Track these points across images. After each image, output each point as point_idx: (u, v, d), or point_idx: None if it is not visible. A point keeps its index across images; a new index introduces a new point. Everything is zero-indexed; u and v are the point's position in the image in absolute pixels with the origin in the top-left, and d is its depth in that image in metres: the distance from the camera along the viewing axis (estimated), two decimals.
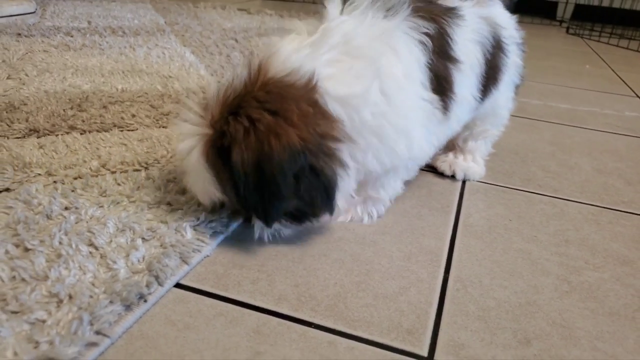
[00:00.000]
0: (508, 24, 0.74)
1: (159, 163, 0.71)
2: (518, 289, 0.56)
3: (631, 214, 0.74)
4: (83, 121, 0.81)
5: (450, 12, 0.65)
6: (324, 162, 0.51)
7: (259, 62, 0.52)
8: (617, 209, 0.76)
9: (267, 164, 0.49)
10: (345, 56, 0.54)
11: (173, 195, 0.63)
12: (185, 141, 0.52)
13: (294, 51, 0.53)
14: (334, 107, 0.52)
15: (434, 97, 0.59)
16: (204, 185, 0.54)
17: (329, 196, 0.53)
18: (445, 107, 0.62)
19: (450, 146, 0.84)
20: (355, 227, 0.64)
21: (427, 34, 0.59)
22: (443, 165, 0.82)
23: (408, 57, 0.57)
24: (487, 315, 0.51)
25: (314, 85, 0.51)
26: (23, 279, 0.45)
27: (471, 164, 0.81)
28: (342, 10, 0.58)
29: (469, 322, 0.50)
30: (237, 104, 0.50)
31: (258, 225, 0.57)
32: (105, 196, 0.61)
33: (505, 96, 0.78)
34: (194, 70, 1.15)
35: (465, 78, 0.64)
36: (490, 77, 0.70)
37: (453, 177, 0.81)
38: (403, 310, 0.50)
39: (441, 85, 0.60)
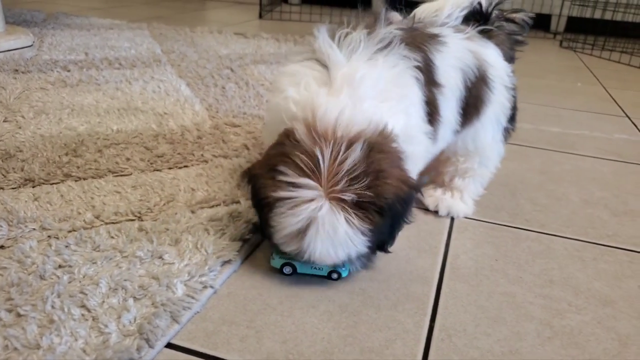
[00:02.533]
0: (498, 65, 0.76)
1: (151, 212, 0.73)
2: (501, 337, 0.57)
3: (615, 249, 0.76)
4: (78, 167, 0.83)
5: (433, 38, 0.69)
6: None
7: (313, 123, 0.57)
8: (601, 243, 0.77)
9: (403, 205, 0.58)
10: (384, 101, 0.60)
11: (165, 247, 0.65)
12: (312, 208, 0.54)
13: (351, 106, 0.58)
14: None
15: (430, 129, 0.66)
16: (346, 245, 0.56)
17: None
18: (435, 132, 0.68)
19: (440, 182, 0.85)
20: None
21: (419, 68, 0.64)
22: (429, 200, 0.84)
23: (415, 99, 0.64)
24: None
25: (394, 139, 0.59)
26: (15, 348, 0.47)
27: (457, 201, 0.83)
28: (339, 47, 0.62)
29: None
30: (377, 169, 0.55)
31: (358, 265, 0.64)
32: (98, 251, 0.63)
33: (490, 135, 0.79)
34: (189, 105, 1.17)
35: (447, 101, 0.69)
36: (471, 105, 0.73)
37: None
38: None
39: (431, 110, 0.66)
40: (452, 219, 0.81)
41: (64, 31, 1.89)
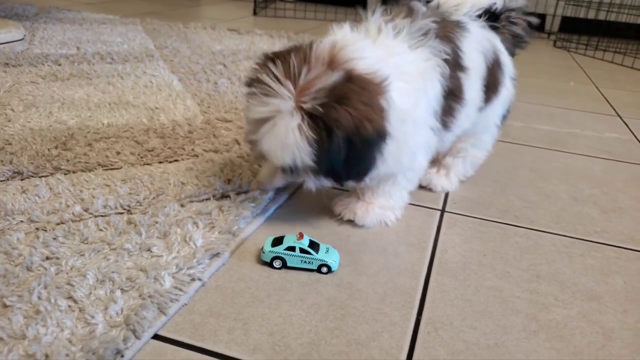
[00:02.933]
0: (505, 55, 0.83)
1: (141, 205, 0.73)
2: (487, 330, 0.57)
3: (602, 245, 0.76)
4: (68, 161, 0.83)
5: (458, 25, 0.75)
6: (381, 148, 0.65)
7: (333, 49, 0.62)
8: (589, 239, 0.78)
9: (361, 141, 0.61)
10: (399, 79, 0.65)
11: (154, 240, 0.65)
12: (277, 108, 0.60)
13: (362, 45, 0.64)
14: (391, 112, 0.64)
15: (438, 126, 0.71)
16: (293, 150, 0.61)
17: (368, 172, 0.67)
18: (451, 116, 0.73)
19: (433, 159, 0.88)
20: None
21: (446, 60, 0.69)
22: None
23: (432, 94, 0.69)
24: None
25: (384, 85, 0.63)
26: (1, 339, 0.47)
27: (442, 177, 0.88)
28: (381, 30, 0.69)
29: None
30: (344, 93, 0.60)
31: (310, 180, 0.67)
32: (86, 243, 0.63)
33: (497, 116, 0.85)
34: (181, 100, 1.17)
35: (472, 82, 0.75)
36: (491, 85, 0.79)
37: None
38: (374, 358, 0.52)
39: (453, 97, 0.72)
40: (442, 214, 0.82)
41: (56, 25, 1.88)
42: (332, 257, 0.64)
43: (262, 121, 0.62)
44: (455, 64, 0.71)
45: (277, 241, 0.65)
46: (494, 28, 0.83)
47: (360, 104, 0.61)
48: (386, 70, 0.63)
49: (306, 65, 0.61)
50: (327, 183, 0.69)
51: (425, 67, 0.68)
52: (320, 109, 0.60)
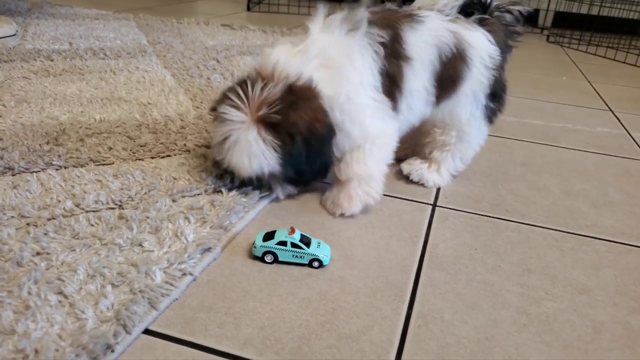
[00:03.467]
0: (480, 46, 0.81)
1: (132, 200, 0.72)
2: (478, 324, 0.58)
3: (593, 239, 0.77)
4: (59, 156, 0.83)
5: (409, 17, 0.77)
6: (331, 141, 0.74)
7: (263, 69, 0.72)
8: (580, 233, 0.78)
9: (316, 140, 0.71)
10: (323, 66, 0.72)
11: (145, 235, 0.65)
12: (236, 126, 0.70)
13: (289, 59, 0.71)
14: (328, 106, 0.72)
15: (383, 98, 0.75)
16: (259, 158, 0.70)
17: (328, 165, 0.76)
18: (395, 101, 0.76)
19: (422, 154, 0.91)
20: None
21: (382, 43, 0.73)
22: (405, 166, 0.91)
23: (362, 67, 0.73)
24: (446, 353, 0.53)
25: (315, 88, 0.71)
26: None
27: (433, 172, 0.88)
28: (321, 27, 0.75)
29: None
30: (292, 101, 0.69)
31: (278, 188, 0.78)
32: (77, 239, 0.63)
33: (467, 110, 0.83)
34: (174, 95, 1.17)
35: (417, 73, 0.76)
36: (447, 79, 0.79)
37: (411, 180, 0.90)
38: (365, 351, 0.52)
39: (393, 81, 0.75)
40: (433, 208, 0.82)
41: (48, 21, 1.86)
42: (323, 252, 0.64)
43: (226, 139, 0.71)
44: (393, 50, 0.74)
45: (269, 236, 0.65)
46: (483, 21, 0.82)
47: (307, 108, 0.70)
48: (310, 68, 0.71)
49: (255, 86, 0.70)
50: (292, 189, 0.79)
51: (351, 45, 0.72)
52: (278, 116, 0.69)
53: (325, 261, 0.64)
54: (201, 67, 1.40)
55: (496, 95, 0.84)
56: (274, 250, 0.63)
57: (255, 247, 0.64)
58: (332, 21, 0.75)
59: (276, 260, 0.64)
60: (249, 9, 2.65)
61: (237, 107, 0.70)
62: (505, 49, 0.84)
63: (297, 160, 0.71)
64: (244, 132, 0.69)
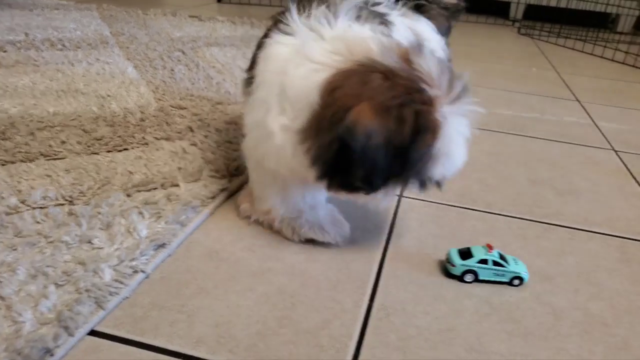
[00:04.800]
0: (433, 39, 0.76)
1: (84, 196, 0.69)
2: (440, 314, 0.56)
3: (557, 227, 0.77)
4: (6, 151, 0.78)
5: (381, 19, 0.70)
6: None
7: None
8: (544, 221, 0.78)
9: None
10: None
11: (95, 231, 0.61)
12: None
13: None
14: None
15: None
16: None
17: None
18: None
19: None
20: (286, 256, 0.64)
21: None
22: None
23: None
24: (407, 345, 0.52)
25: None
26: None
27: None
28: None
29: (388, 353, 0.50)
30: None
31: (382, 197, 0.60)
32: (20, 237, 0.59)
33: None
34: (134, 87, 1.12)
35: None
36: None
37: None
38: (323, 346, 0.51)
39: None
40: (399, 199, 0.81)
41: (4, 10, 1.78)
42: (523, 269, 0.62)
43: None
44: None
45: (464, 254, 0.63)
46: (420, 7, 0.78)
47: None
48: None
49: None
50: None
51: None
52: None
53: (526, 278, 0.62)
54: (165, 59, 1.36)
55: None
56: (475, 269, 0.61)
57: (454, 265, 0.62)
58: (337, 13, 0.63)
59: (476, 279, 0.62)
60: (219, 0, 2.59)
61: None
62: (446, 32, 0.81)
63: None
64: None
